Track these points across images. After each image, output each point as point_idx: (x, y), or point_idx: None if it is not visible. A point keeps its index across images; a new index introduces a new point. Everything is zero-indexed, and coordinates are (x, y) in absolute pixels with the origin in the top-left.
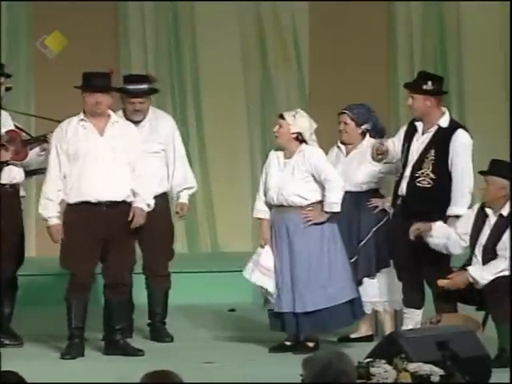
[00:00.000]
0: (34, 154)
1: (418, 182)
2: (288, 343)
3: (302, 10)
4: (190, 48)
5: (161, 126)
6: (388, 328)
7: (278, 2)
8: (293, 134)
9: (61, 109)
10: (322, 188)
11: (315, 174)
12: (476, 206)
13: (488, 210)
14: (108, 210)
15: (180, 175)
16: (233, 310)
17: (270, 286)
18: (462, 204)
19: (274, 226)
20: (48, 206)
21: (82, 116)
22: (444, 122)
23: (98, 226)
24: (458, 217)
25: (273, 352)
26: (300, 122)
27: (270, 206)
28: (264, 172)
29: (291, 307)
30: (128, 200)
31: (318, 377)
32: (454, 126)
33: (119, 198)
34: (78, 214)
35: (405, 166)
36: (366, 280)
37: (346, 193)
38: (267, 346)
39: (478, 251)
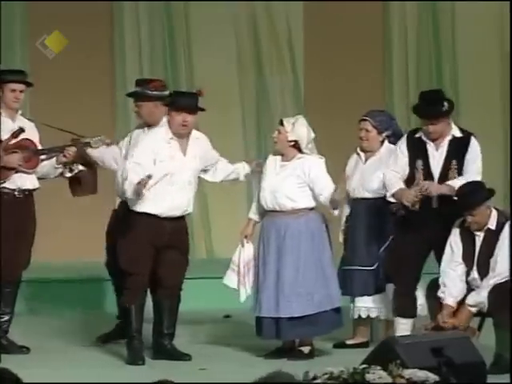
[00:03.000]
0: (49, 165)
1: None
2: (282, 349)
3: (296, 12)
4: (184, 55)
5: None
6: (383, 334)
7: (272, 5)
8: (290, 141)
9: (55, 116)
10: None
11: (310, 185)
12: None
13: (476, 232)
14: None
15: None
16: (228, 316)
17: (233, 281)
18: None
19: (264, 231)
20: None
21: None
22: (455, 131)
23: (159, 236)
24: None
25: (268, 358)
26: (298, 130)
27: (263, 210)
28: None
29: (273, 312)
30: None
31: None
32: (466, 134)
33: (183, 213)
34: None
35: (426, 179)
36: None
37: (363, 200)
38: (262, 353)
39: (475, 270)
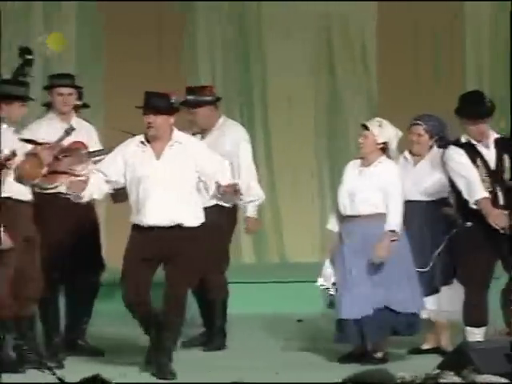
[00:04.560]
0: None
1: None
2: (356, 354)
3: (370, 12)
4: (257, 61)
5: (227, 137)
6: (444, 339)
7: (345, 5)
8: (379, 144)
9: (129, 122)
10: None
11: (384, 191)
12: None
13: None
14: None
15: (243, 187)
16: (301, 321)
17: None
18: None
19: (344, 237)
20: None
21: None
22: (493, 132)
23: (147, 248)
24: None
25: (341, 362)
26: (386, 131)
27: (342, 216)
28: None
29: (355, 315)
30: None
31: None
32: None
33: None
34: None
35: (493, 178)
36: None
37: (417, 202)
38: (335, 357)
39: None
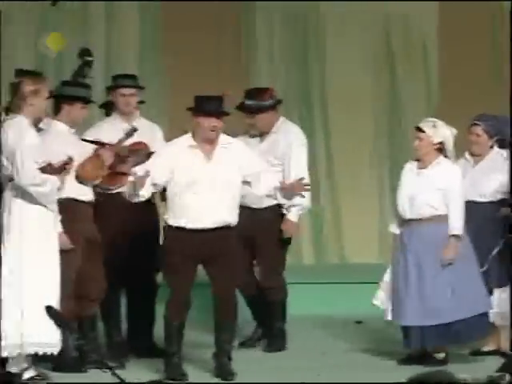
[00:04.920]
0: None
1: None
2: (417, 356)
3: (431, 14)
4: (317, 63)
5: (283, 139)
6: (504, 341)
7: (406, 7)
8: (435, 144)
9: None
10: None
11: (444, 192)
12: None
13: None
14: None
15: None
16: (360, 322)
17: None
18: None
19: (403, 240)
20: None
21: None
22: None
23: (191, 249)
24: None
25: (401, 364)
26: (441, 131)
27: (402, 218)
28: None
29: (419, 321)
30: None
31: None
32: None
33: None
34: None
35: None
36: None
37: (474, 203)
38: (395, 359)
39: None
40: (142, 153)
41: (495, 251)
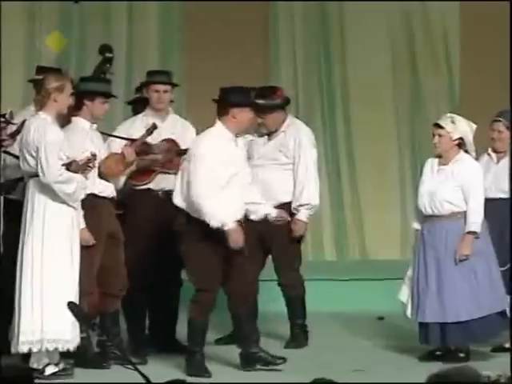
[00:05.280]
0: None
1: None
2: (438, 353)
3: (453, 10)
4: (339, 60)
5: (291, 138)
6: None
7: (428, 4)
8: (454, 140)
9: (212, 122)
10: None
11: (464, 188)
12: None
13: None
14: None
15: (297, 189)
16: (381, 318)
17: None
18: None
19: (424, 236)
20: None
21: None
22: None
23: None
24: None
25: (422, 361)
26: (460, 127)
27: (422, 215)
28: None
29: (439, 317)
30: None
31: None
32: None
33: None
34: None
35: None
36: None
37: (497, 200)
38: (416, 355)
39: None
40: (173, 150)
41: None
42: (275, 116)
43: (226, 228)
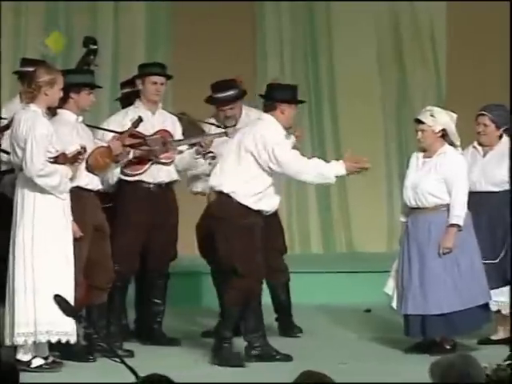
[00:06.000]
0: (188, 156)
1: None
2: (424, 345)
3: (439, 6)
4: (326, 53)
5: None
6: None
7: (415, 3)
8: (438, 133)
9: (196, 115)
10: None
11: (447, 181)
12: None
13: None
14: None
15: None
16: (368, 311)
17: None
18: None
19: (408, 229)
20: None
21: None
22: None
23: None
24: None
25: (408, 353)
26: (441, 118)
27: (407, 207)
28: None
29: (420, 310)
30: None
31: (441, 379)
32: None
33: None
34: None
35: None
36: None
37: (487, 193)
38: (402, 348)
39: None
40: (166, 141)
41: (509, 241)
42: (240, 106)
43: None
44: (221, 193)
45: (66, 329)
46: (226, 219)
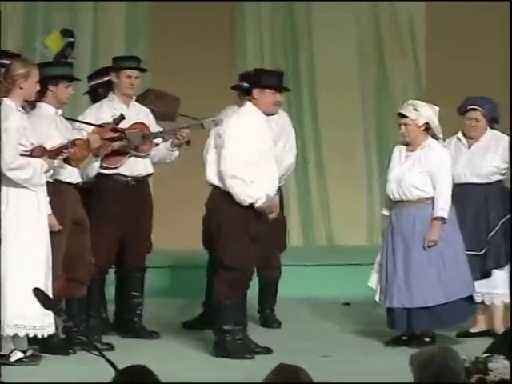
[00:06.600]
0: (164, 149)
1: None
2: (404, 337)
3: (419, 3)
4: (306, 46)
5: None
6: (498, 322)
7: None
8: (421, 126)
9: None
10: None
11: (431, 174)
12: None
13: None
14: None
15: None
16: (348, 304)
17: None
18: None
19: (392, 222)
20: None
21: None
22: None
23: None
24: None
25: (388, 346)
26: (424, 112)
27: (391, 201)
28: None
29: (405, 303)
30: None
31: (420, 371)
32: None
33: None
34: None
35: None
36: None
37: (472, 185)
38: (382, 340)
39: None
40: (142, 133)
41: (492, 233)
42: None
43: (257, 205)
44: (210, 184)
45: (35, 323)
46: (216, 210)
